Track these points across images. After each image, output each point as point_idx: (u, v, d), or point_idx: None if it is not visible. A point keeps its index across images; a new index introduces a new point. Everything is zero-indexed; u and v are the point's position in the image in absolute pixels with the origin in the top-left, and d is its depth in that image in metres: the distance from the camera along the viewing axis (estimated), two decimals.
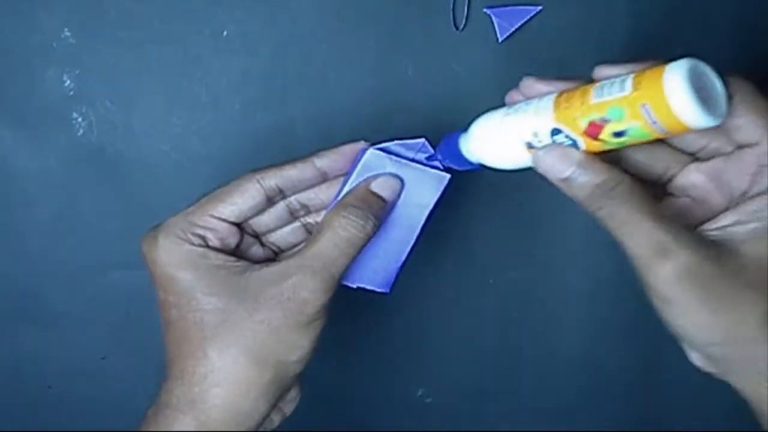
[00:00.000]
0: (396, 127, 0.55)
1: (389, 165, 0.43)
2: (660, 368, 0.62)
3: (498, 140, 0.40)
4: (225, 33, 0.53)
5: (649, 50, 0.55)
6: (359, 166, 0.42)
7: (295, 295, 0.39)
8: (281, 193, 0.43)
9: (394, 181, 0.43)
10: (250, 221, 0.44)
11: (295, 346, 0.39)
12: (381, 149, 0.43)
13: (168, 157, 0.55)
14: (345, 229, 0.40)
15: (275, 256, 0.46)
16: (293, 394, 0.43)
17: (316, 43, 0.54)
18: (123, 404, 0.59)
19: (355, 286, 0.45)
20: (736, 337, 0.34)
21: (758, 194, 0.34)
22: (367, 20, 0.53)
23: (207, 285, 0.39)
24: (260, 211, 0.43)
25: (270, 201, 0.43)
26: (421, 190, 0.44)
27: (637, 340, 0.61)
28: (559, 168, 0.36)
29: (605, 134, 0.34)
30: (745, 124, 0.34)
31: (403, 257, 0.45)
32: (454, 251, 0.59)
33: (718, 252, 0.34)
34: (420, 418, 0.62)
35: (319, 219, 0.44)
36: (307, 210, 0.45)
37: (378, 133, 0.55)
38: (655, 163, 0.39)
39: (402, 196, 0.44)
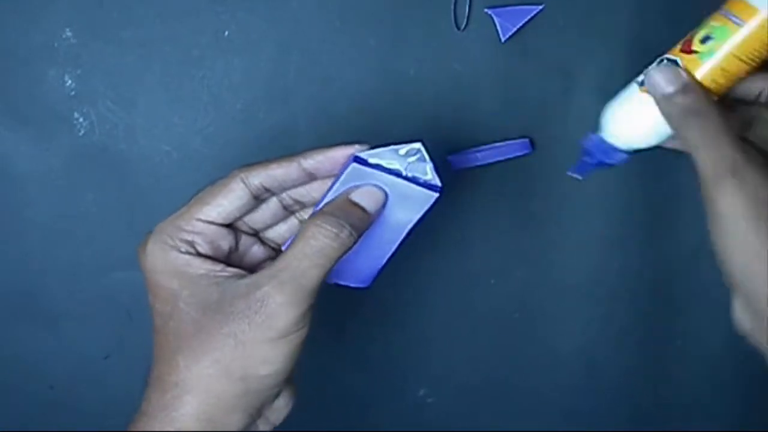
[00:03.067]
0: (397, 127, 0.55)
1: (372, 179, 0.41)
2: (660, 368, 0.62)
3: (638, 112, 0.44)
4: (227, 33, 0.53)
5: (650, 49, 0.55)
6: (343, 176, 0.41)
7: (262, 308, 0.37)
8: (268, 191, 0.42)
9: (377, 192, 0.41)
10: (245, 219, 0.43)
11: (265, 361, 0.38)
12: (371, 156, 0.41)
13: (169, 157, 0.55)
14: (317, 239, 0.38)
15: (276, 254, 0.45)
16: (280, 404, 0.42)
17: (317, 43, 0.54)
18: (124, 404, 0.58)
19: (332, 282, 0.44)
20: None
21: None
22: (369, 20, 0.53)
23: (188, 294, 0.39)
24: (249, 210, 0.42)
25: (258, 199, 0.42)
26: (406, 205, 0.42)
27: (637, 339, 0.61)
28: (665, 84, 0.42)
29: (695, 44, 0.42)
30: None
31: (386, 257, 0.44)
32: (455, 251, 0.59)
33: None
34: (421, 418, 0.62)
35: None
36: (302, 205, 0.44)
37: (379, 133, 0.55)
38: (742, 90, 0.44)
39: (385, 209, 0.42)
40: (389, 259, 0.44)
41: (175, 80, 0.53)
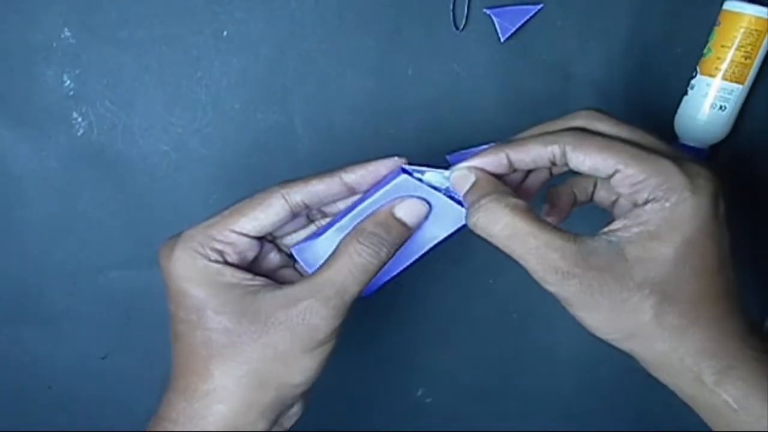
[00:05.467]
0: (396, 127, 0.55)
1: (419, 191, 0.41)
2: None
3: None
4: (225, 33, 0.53)
5: (649, 49, 0.55)
6: (389, 186, 0.40)
7: (304, 322, 0.38)
8: (307, 208, 0.41)
9: (421, 207, 0.41)
10: (255, 225, 0.42)
11: (302, 370, 0.39)
12: (416, 171, 0.41)
13: (168, 156, 0.55)
14: (360, 256, 0.39)
15: (291, 260, 0.45)
16: (295, 410, 0.42)
17: (316, 43, 0.54)
18: (123, 404, 0.59)
19: None
20: (634, 334, 0.37)
21: (641, 204, 0.37)
22: (368, 20, 0.53)
23: (219, 303, 0.38)
24: (283, 225, 0.41)
25: (294, 216, 0.41)
26: (438, 222, 0.42)
27: None
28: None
29: None
30: (595, 165, 0.37)
31: (396, 272, 0.43)
32: (454, 252, 0.59)
33: (609, 257, 0.36)
34: (420, 418, 0.62)
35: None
36: (324, 214, 0.45)
37: (378, 133, 0.55)
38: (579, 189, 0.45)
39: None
40: (398, 274, 0.44)
41: (173, 80, 0.53)
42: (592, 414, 0.63)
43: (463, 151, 0.55)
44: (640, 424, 0.63)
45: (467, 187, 0.40)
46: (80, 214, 0.55)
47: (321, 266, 0.39)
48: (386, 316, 0.60)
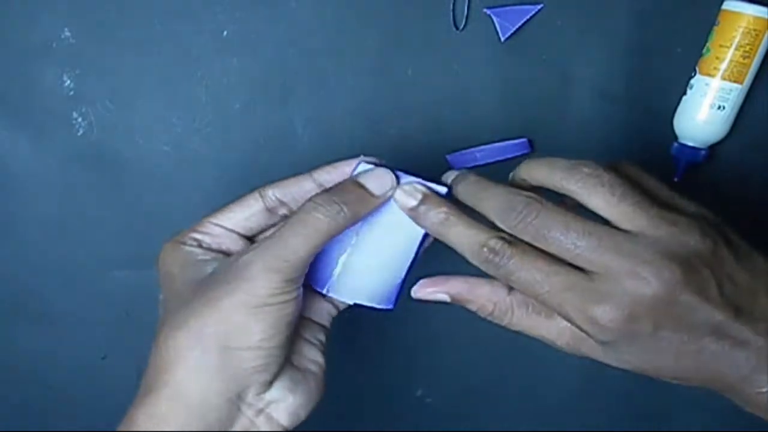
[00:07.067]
0: (396, 127, 0.55)
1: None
2: None
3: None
4: (225, 33, 0.53)
5: (649, 49, 0.55)
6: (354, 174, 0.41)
7: (241, 273, 0.37)
8: (282, 204, 0.43)
9: (385, 174, 0.41)
10: (237, 220, 0.43)
11: (243, 331, 0.37)
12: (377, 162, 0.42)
13: (168, 157, 0.55)
14: (307, 212, 0.38)
15: None
16: (276, 395, 0.39)
17: (315, 43, 0.54)
18: (123, 404, 0.59)
19: (352, 302, 0.44)
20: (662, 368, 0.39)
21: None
22: (367, 20, 0.53)
23: (186, 277, 0.40)
24: (263, 221, 0.43)
25: (271, 212, 0.43)
26: None
27: None
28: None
29: None
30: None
31: (403, 273, 0.43)
32: (454, 251, 0.58)
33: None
34: (420, 418, 0.62)
35: None
36: (285, 204, 0.44)
37: (378, 133, 0.55)
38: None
39: (396, 216, 0.41)
40: (407, 275, 0.44)
41: (173, 80, 0.53)
42: (592, 414, 0.63)
43: (463, 152, 0.55)
44: (640, 424, 0.63)
45: None
46: (80, 214, 0.55)
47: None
48: (386, 316, 0.60)
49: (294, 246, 0.38)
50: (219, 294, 0.37)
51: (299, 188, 0.42)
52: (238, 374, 0.38)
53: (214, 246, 0.42)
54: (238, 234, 0.43)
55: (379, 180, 0.41)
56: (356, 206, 0.39)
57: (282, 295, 0.37)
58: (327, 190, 0.40)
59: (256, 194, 0.43)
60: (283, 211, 0.43)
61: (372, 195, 0.40)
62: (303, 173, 0.43)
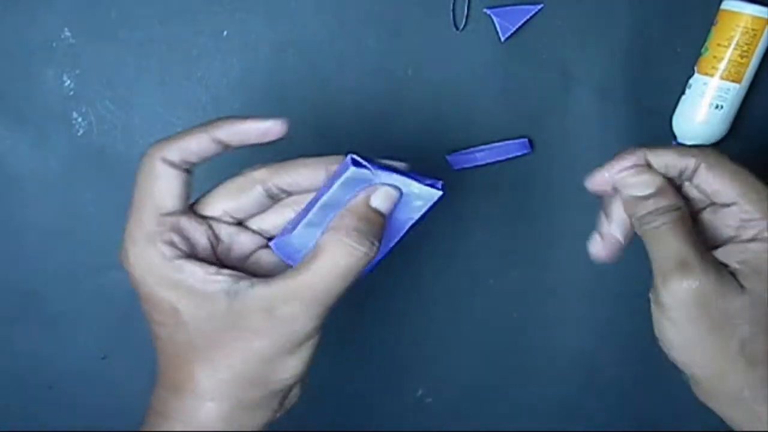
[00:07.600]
0: (396, 128, 0.55)
1: (378, 179, 0.39)
2: (660, 368, 0.62)
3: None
4: (225, 33, 0.53)
5: (648, 49, 0.55)
6: (342, 179, 0.39)
7: (285, 327, 0.37)
8: (188, 163, 0.39)
9: (393, 193, 0.40)
10: (227, 209, 0.41)
11: (286, 368, 0.38)
12: (366, 159, 0.40)
13: None
14: (344, 257, 0.37)
15: (267, 240, 0.43)
16: (295, 392, 0.41)
17: (315, 43, 0.54)
18: (123, 404, 0.58)
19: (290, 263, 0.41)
20: (714, 358, 0.38)
21: (743, 239, 0.39)
22: (367, 20, 0.53)
23: (189, 305, 0.37)
24: (184, 185, 0.39)
25: (188, 172, 0.40)
26: (408, 204, 0.41)
27: (637, 340, 0.61)
28: (640, 188, 0.41)
29: None
30: (719, 190, 0.39)
31: (374, 262, 0.41)
32: (454, 251, 0.59)
33: (723, 279, 0.38)
34: (420, 418, 0.62)
35: (303, 201, 0.42)
36: (289, 194, 0.42)
37: (377, 133, 0.55)
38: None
39: None
40: (382, 258, 0.43)
41: (173, 80, 0.53)
42: (592, 414, 0.63)
43: (463, 152, 0.55)
44: (640, 424, 0.63)
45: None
46: (80, 214, 0.55)
47: (301, 265, 0.38)
48: (385, 316, 0.60)
49: (333, 293, 0.37)
50: (262, 345, 0.37)
51: (199, 146, 0.40)
52: (282, 393, 0.39)
53: (188, 247, 0.39)
54: (187, 216, 0.40)
55: (390, 201, 0.40)
56: (381, 234, 0.39)
57: (319, 330, 0.38)
58: (349, 223, 0.38)
59: (156, 162, 0.39)
60: (267, 191, 0.41)
61: (383, 215, 0.39)
62: (197, 127, 0.40)
